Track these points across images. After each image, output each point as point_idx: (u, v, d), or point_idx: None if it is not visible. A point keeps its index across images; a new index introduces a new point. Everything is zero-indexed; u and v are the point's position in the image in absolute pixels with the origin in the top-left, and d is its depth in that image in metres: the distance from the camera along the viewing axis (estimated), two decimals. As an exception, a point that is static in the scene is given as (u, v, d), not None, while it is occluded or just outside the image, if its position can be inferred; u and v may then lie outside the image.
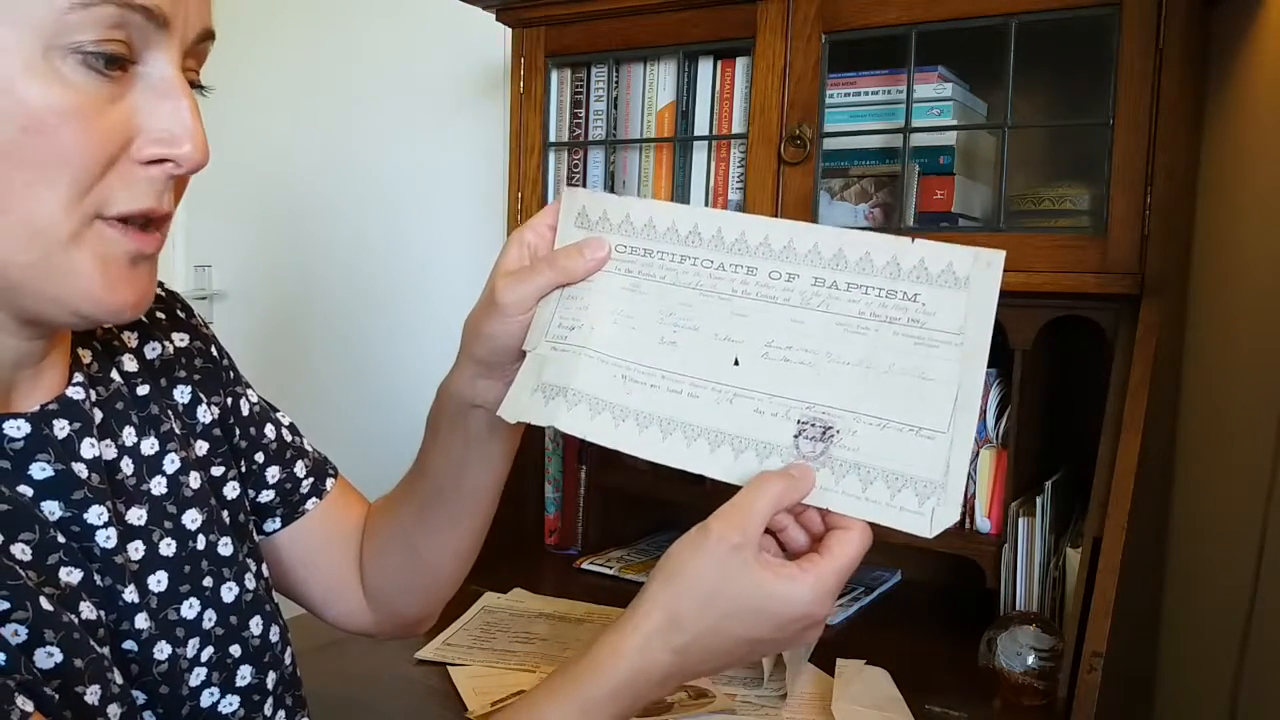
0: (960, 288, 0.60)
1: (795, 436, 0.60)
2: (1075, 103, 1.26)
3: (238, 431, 0.71)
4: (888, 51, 1.20)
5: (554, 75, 1.43)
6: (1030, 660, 0.99)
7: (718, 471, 0.62)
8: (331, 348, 2.10)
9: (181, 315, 0.70)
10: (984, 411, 1.20)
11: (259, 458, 0.73)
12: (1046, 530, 1.13)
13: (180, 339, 0.68)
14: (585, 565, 1.40)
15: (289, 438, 0.76)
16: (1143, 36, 1.04)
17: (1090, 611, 0.95)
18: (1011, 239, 1.12)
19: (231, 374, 0.73)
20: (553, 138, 1.44)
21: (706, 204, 1.33)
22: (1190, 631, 1.23)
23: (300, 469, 0.76)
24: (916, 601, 1.32)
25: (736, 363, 0.63)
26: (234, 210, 2.15)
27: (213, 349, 0.71)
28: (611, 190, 1.42)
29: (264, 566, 0.69)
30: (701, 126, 1.33)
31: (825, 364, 0.61)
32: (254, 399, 0.74)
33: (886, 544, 1.30)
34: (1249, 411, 1.08)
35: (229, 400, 0.71)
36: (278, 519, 0.75)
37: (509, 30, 1.45)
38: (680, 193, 1.35)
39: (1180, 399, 1.26)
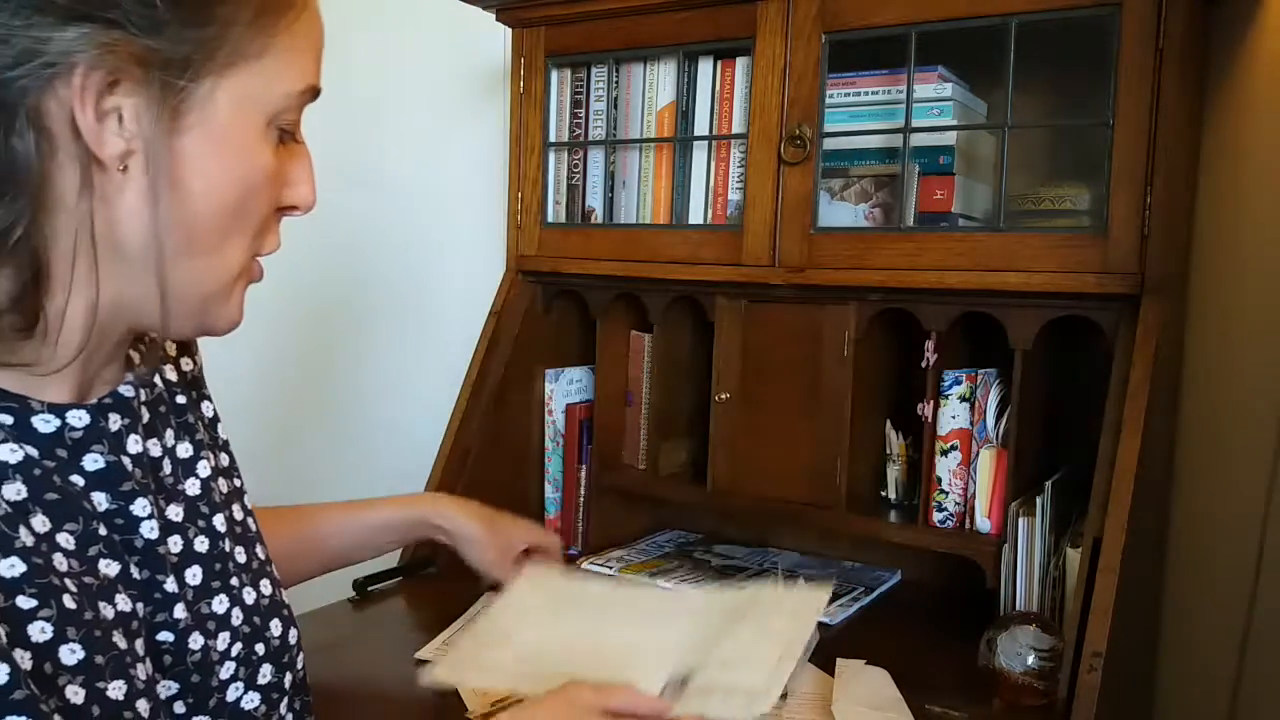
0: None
1: (662, 689, 0.82)
2: (1075, 102, 1.25)
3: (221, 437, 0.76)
4: (888, 51, 1.20)
5: (554, 75, 1.43)
6: (1030, 660, 0.99)
7: None
8: (332, 346, 2.10)
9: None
10: (984, 411, 1.20)
11: None
12: (1046, 530, 1.13)
13: (199, 358, 0.74)
14: (585, 565, 1.40)
15: None
16: (1143, 36, 1.04)
17: (1090, 611, 0.95)
18: (1011, 239, 1.12)
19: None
20: (553, 137, 1.44)
21: (706, 204, 1.34)
22: (1190, 631, 1.23)
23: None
24: (916, 601, 1.32)
25: (617, 644, 0.91)
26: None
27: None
28: (611, 191, 1.42)
29: (274, 569, 0.72)
30: (701, 126, 1.33)
31: (688, 636, 0.90)
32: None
33: (886, 544, 1.31)
34: (1249, 411, 1.08)
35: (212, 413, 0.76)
36: None
37: (509, 30, 1.45)
38: (680, 192, 1.35)
39: (1180, 399, 1.26)
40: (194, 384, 0.71)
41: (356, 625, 1.17)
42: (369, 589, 1.23)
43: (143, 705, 0.53)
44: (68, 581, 0.51)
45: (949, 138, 1.19)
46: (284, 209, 0.62)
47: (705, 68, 1.32)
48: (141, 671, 0.54)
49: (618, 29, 1.35)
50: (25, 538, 0.50)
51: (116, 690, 0.51)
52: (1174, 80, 1.03)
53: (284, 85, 0.57)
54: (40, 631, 0.49)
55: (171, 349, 0.70)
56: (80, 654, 0.50)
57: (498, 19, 1.43)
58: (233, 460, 0.73)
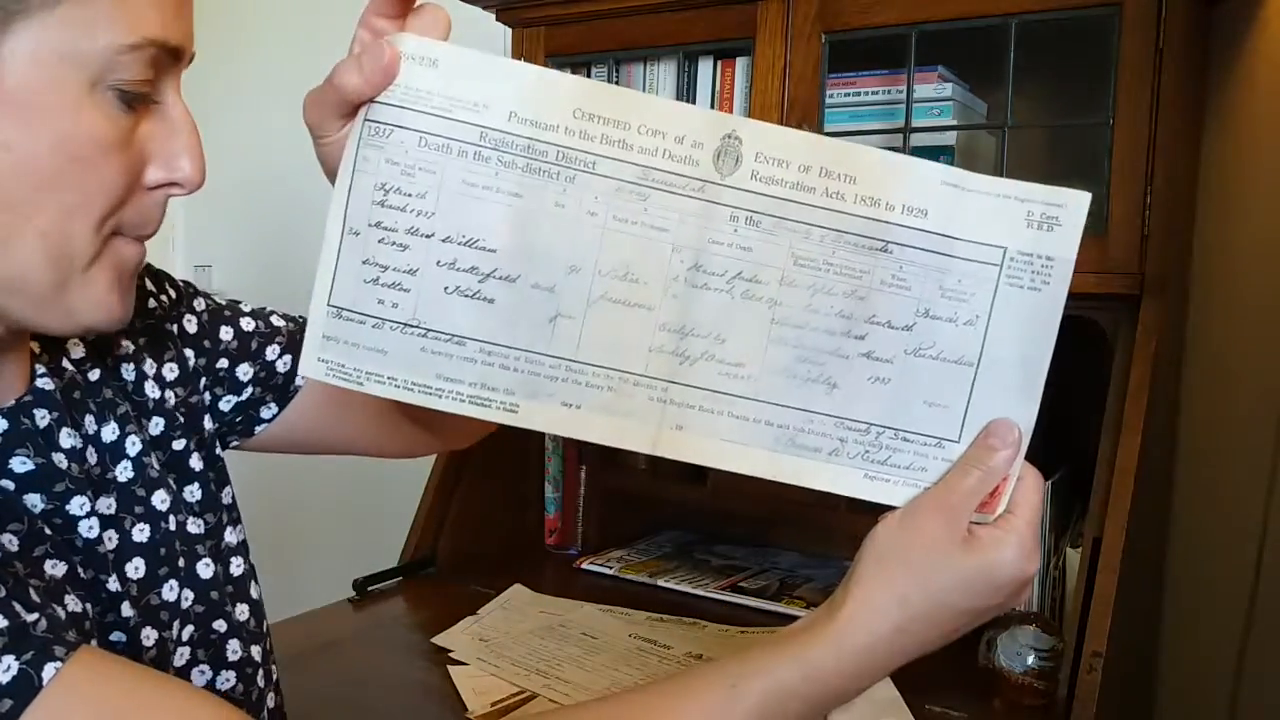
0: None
1: None
2: (1075, 103, 1.25)
3: (191, 355, 0.70)
4: (888, 51, 1.20)
5: (554, 75, 1.43)
6: (1030, 660, 0.99)
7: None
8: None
9: None
10: (984, 411, 1.20)
11: (223, 363, 0.72)
12: (1046, 530, 1.13)
13: None
14: (585, 565, 1.40)
15: (250, 327, 0.75)
16: (1143, 36, 1.04)
17: (1090, 611, 0.95)
18: (1011, 239, 1.12)
19: (174, 305, 0.70)
20: (553, 138, 1.44)
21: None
22: (1190, 631, 1.23)
23: (271, 352, 0.75)
24: (916, 601, 1.32)
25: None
26: (233, 210, 2.15)
27: (150, 301, 0.69)
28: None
29: (241, 528, 0.69)
30: (701, 126, 1.33)
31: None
32: (200, 308, 0.72)
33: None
34: (1249, 411, 1.08)
35: (177, 336, 0.69)
36: (272, 405, 0.74)
37: (509, 30, 1.45)
38: (680, 193, 1.35)
39: (1180, 399, 1.26)
40: (105, 348, 0.65)
41: (356, 624, 1.17)
42: (368, 589, 1.23)
43: None
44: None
45: (949, 138, 1.19)
46: (159, 186, 0.53)
47: (705, 68, 1.32)
48: None
49: (617, 29, 1.35)
50: None
51: None
52: (1174, 80, 1.03)
53: (105, 38, 0.47)
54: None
55: None
56: None
57: (498, 19, 1.43)
58: (171, 420, 0.66)
